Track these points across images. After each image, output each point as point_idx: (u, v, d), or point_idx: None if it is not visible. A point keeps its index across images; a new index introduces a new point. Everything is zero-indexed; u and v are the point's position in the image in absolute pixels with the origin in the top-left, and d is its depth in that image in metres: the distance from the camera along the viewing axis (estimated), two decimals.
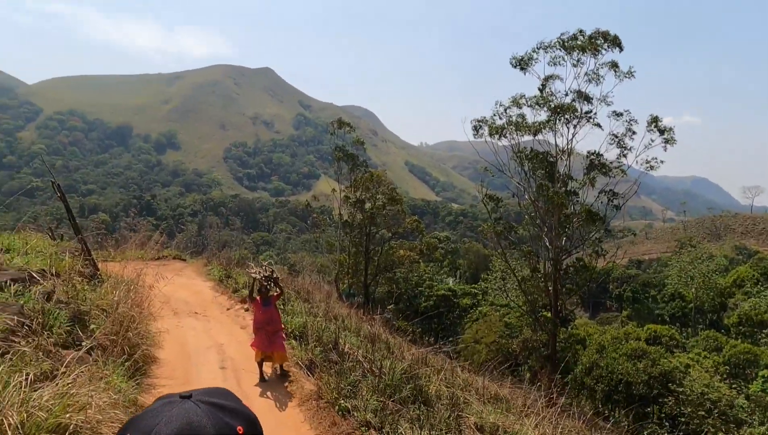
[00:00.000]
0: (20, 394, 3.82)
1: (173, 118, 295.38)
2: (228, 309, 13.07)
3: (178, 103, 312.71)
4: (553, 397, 11.55)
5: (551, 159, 24.09)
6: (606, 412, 22.30)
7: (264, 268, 9.59)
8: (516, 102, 25.08)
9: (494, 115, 25.45)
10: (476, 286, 46.06)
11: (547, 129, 24.15)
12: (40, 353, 4.87)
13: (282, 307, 11.62)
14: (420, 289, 39.41)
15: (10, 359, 4.42)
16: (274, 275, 9.32)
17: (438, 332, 37.48)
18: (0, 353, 4.52)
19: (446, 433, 6.33)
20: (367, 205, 35.19)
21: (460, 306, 39.09)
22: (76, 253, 9.34)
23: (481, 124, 25.89)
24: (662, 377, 21.56)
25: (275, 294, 9.16)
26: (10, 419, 3.59)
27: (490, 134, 25.48)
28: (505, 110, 25.26)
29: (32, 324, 5.24)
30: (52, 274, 6.85)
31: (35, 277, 6.55)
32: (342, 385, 7.14)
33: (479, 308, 36.86)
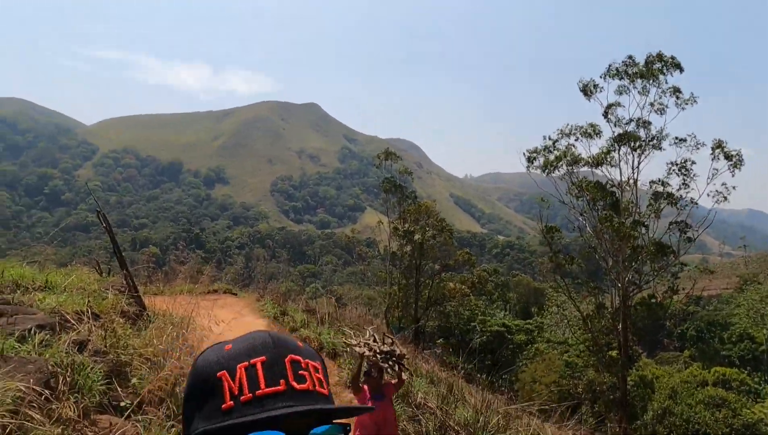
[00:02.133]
0: None
1: (222, 153, 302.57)
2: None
3: (226, 139, 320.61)
4: None
5: (612, 189, 22.83)
6: None
7: (375, 339, 6.53)
8: (564, 133, 24.45)
9: (545, 148, 24.74)
10: (531, 321, 44.17)
11: (608, 161, 22.93)
12: (61, 429, 3.97)
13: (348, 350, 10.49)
14: (473, 323, 37.84)
15: None
16: (397, 352, 6.24)
17: (492, 369, 35.70)
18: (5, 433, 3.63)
19: None
20: (416, 237, 34.42)
21: (514, 342, 37.36)
22: (121, 290, 8.57)
23: (535, 155, 24.91)
24: (745, 430, 19.43)
25: (393, 381, 6.32)
26: None
27: (545, 166, 24.49)
28: (554, 143, 24.65)
29: (57, 385, 4.36)
30: (89, 317, 6.04)
31: (69, 322, 5.74)
32: None
33: (535, 345, 35.06)
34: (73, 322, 5.81)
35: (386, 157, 36.46)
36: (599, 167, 23.30)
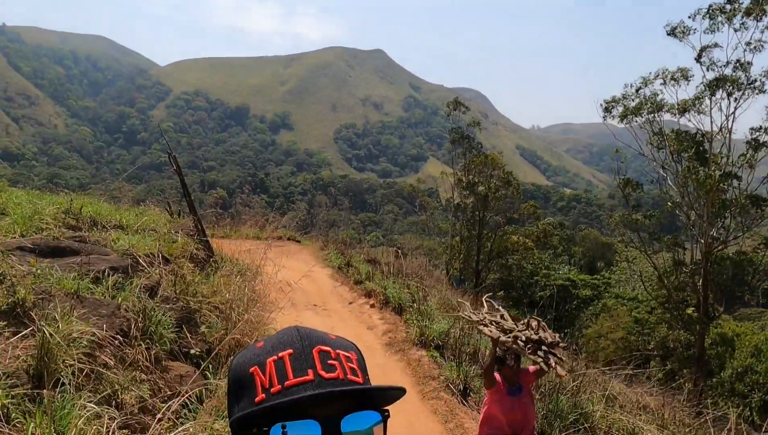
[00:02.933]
0: None
1: (288, 99, 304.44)
2: (350, 303, 11.96)
3: (293, 84, 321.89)
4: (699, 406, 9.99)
5: (700, 138, 21.34)
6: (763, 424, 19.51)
7: (504, 316, 5.16)
8: (647, 81, 22.83)
9: (625, 96, 23.28)
10: (597, 276, 42.96)
11: (696, 107, 21.36)
12: (136, 373, 3.91)
13: (414, 306, 10.33)
14: (536, 278, 37.13)
15: (93, 388, 3.49)
16: (549, 339, 4.72)
17: (554, 324, 35.00)
18: (82, 376, 3.57)
19: None
20: (481, 189, 33.73)
21: (579, 297, 36.53)
22: (190, 233, 8.61)
23: (613, 104, 23.54)
24: None
25: (532, 368, 4.96)
26: None
27: (623, 116, 23.13)
28: (637, 91, 23.08)
29: (130, 330, 4.30)
30: (160, 261, 6.03)
31: (141, 265, 5.72)
32: None
33: (602, 301, 34.12)
34: (144, 265, 5.80)
35: (455, 106, 35.74)
36: (686, 114, 21.73)
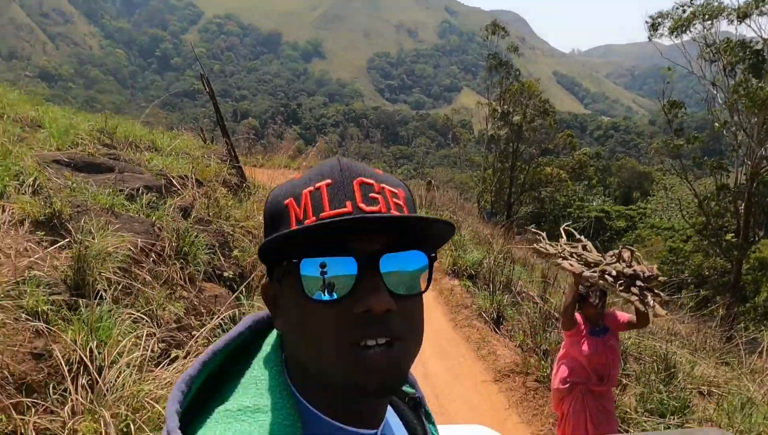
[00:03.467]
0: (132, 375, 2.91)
1: (320, 25, 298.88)
2: None
3: (325, 9, 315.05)
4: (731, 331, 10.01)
5: (758, 47, 20.00)
6: None
7: (586, 247, 4.53)
8: None
9: (678, 7, 21.74)
10: (633, 207, 42.23)
11: (759, 9, 19.82)
12: (173, 289, 3.92)
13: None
14: (569, 210, 36.62)
15: (129, 302, 3.49)
16: (645, 273, 3.91)
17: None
18: (119, 289, 3.57)
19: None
20: (515, 119, 32.75)
21: (613, 229, 36.06)
22: (223, 159, 8.57)
23: (661, 20, 22.11)
24: None
25: (623, 319, 4.27)
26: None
27: (673, 29, 21.68)
28: (691, 1, 21.42)
29: (164, 248, 4.29)
30: (193, 183, 5.99)
31: (174, 186, 5.69)
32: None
33: (636, 231, 33.64)
34: (178, 186, 5.76)
35: (493, 30, 34.25)
36: (746, 20, 20.22)
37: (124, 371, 3.22)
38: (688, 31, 21.41)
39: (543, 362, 5.58)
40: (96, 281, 3.64)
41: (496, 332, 6.68)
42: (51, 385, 3.03)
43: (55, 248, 3.91)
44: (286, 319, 0.81)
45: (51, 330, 3.20)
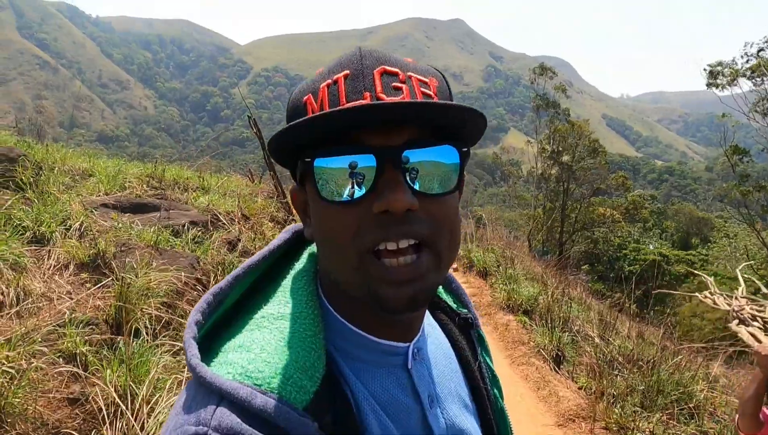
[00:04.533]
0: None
1: None
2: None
3: None
4: None
5: None
6: None
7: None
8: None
9: (743, 56, 21.87)
10: (693, 252, 40.50)
11: None
12: None
13: (500, 269, 10.07)
14: (624, 251, 35.45)
15: (171, 335, 3.34)
16: None
17: (644, 301, 33.19)
18: (159, 325, 3.45)
19: None
20: (565, 158, 32.36)
21: (671, 274, 34.56)
22: (270, 196, 8.59)
23: (719, 69, 21.84)
24: None
25: None
26: None
27: (732, 79, 21.40)
28: (758, 52, 21.43)
29: (209, 281, 4.18)
30: (240, 218, 5.94)
31: (221, 221, 5.63)
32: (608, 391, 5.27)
33: (698, 278, 32.09)
34: (224, 221, 5.71)
35: (540, 72, 34.32)
36: None
37: (164, 411, 3.06)
38: (743, 84, 21.27)
39: (611, 408, 5.13)
40: (137, 318, 3.52)
41: (557, 372, 6.25)
42: (89, 433, 2.88)
43: (98, 288, 3.84)
44: (312, 226, 0.76)
45: (88, 373, 3.08)
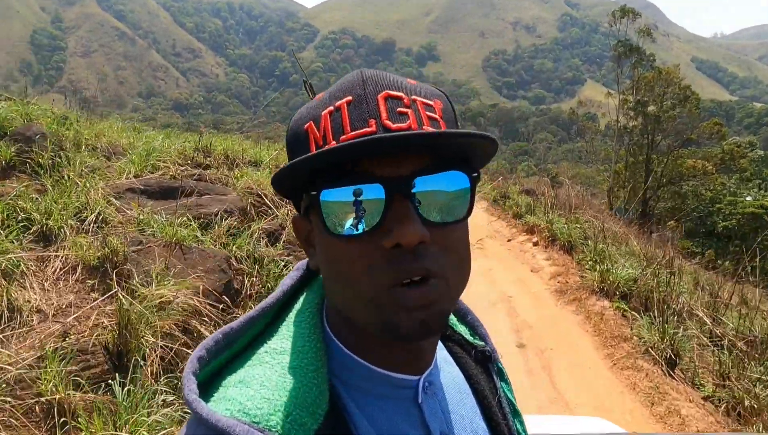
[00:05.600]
0: None
1: (433, 29, 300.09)
2: (509, 240, 10.35)
3: (438, 14, 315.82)
4: None
5: None
6: None
7: None
8: None
9: None
10: None
11: None
12: None
13: (589, 244, 8.72)
14: (718, 205, 32.59)
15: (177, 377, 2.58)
16: None
17: (741, 258, 30.24)
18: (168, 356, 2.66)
19: None
20: (651, 108, 29.95)
21: None
22: None
23: None
24: None
25: None
26: None
27: None
28: None
29: (243, 287, 3.38)
30: (286, 202, 5.17)
31: (266, 204, 4.84)
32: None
33: None
34: (270, 204, 4.90)
35: (622, 14, 31.79)
36: None
37: None
38: None
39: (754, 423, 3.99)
40: (140, 346, 2.77)
41: (671, 376, 5.13)
42: None
43: (105, 299, 3.12)
44: (318, 258, 0.74)
45: (72, 428, 2.35)
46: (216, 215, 4.18)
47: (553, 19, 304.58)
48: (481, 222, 11.41)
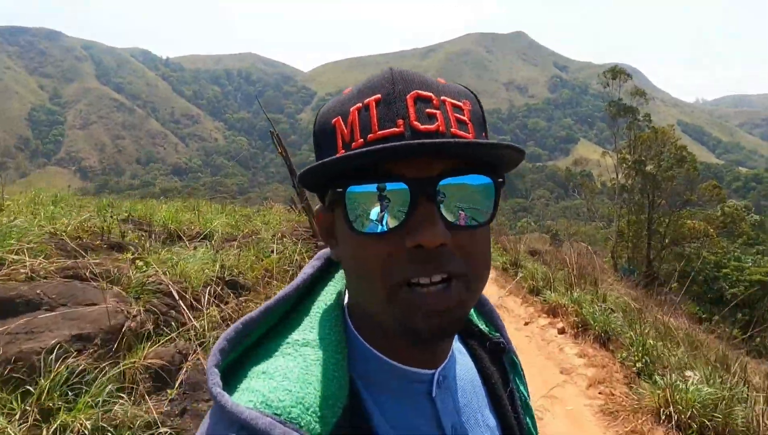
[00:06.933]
0: None
1: None
2: (526, 324, 8.41)
3: (433, 74, 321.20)
4: None
5: None
6: None
7: None
8: None
9: None
10: None
11: None
12: None
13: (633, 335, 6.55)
14: (724, 271, 31.39)
15: None
16: None
17: (749, 325, 28.49)
18: None
19: None
20: (649, 168, 29.75)
21: None
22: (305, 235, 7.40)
23: None
24: None
25: None
26: None
27: None
28: None
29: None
30: (221, 290, 3.92)
31: (180, 308, 3.45)
32: None
33: None
34: (188, 306, 3.43)
35: (613, 75, 31.82)
36: None
37: None
38: None
39: None
40: None
41: None
42: None
43: None
44: (340, 251, 0.76)
45: None
46: (53, 351, 2.68)
47: (544, 80, 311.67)
48: (491, 297, 9.54)
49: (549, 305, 8.66)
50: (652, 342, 6.28)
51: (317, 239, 7.29)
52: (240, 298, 4.61)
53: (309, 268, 0.84)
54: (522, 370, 0.97)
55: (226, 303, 4.46)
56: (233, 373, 0.70)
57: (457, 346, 0.86)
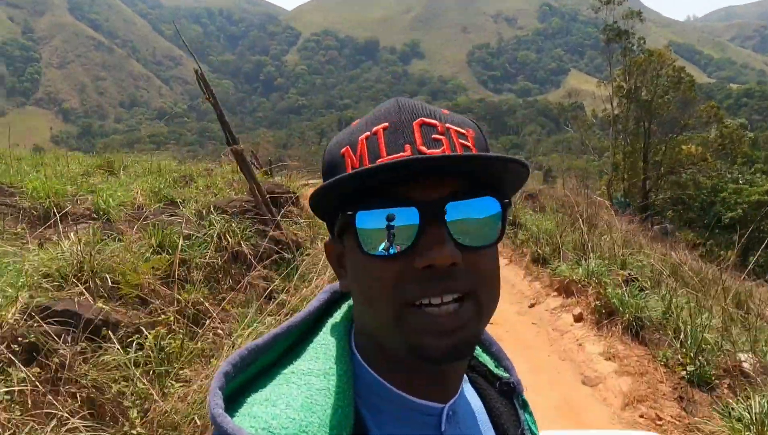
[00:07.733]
0: None
1: (416, 26, 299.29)
2: (531, 305, 6.86)
3: (418, 11, 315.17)
4: None
5: None
6: None
7: None
8: None
9: None
10: None
11: None
12: None
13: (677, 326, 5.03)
14: (722, 195, 30.95)
15: None
16: None
17: (746, 250, 27.99)
18: None
19: None
20: (644, 93, 28.95)
21: None
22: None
23: None
24: None
25: None
26: None
27: None
28: None
29: None
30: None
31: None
32: None
33: None
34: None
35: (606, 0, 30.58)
36: None
37: None
38: None
39: None
40: None
41: None
42: None
43: None
44: (349, 279, 0.77)
45: None
46: None
47: (533, 9, 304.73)
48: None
49: (560, 281, 7.02)
50: (705, 335, 4.74)
51: (262, 214, 6.04)
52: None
53: (316, 301, 0.84)
54: (531, 409, 0.95)
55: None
56: (234, 399, 0.69)
57: (465, 386, 0.84)
